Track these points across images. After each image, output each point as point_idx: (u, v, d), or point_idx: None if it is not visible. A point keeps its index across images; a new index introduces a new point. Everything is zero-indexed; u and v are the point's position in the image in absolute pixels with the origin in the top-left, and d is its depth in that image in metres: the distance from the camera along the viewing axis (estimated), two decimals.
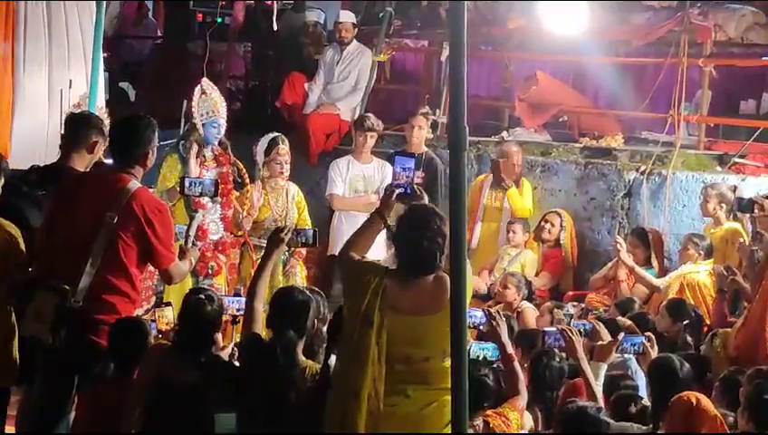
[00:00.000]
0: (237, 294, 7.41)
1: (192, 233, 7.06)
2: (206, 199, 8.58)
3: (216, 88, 9.02)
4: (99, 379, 6.07)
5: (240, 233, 9.16)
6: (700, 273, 8.93)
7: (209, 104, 8.76)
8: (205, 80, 8.99)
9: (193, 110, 8.74)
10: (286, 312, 5.67)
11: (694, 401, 5.58)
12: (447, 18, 4.67)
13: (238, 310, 6.73)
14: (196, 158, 8.68)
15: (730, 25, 10.73)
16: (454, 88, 4.63)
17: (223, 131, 8.85)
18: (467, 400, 4.45)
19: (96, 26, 9.32)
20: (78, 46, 11.31)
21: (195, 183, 7.30)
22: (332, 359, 5.53)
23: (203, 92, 8.79)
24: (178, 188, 7.51)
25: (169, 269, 6.36)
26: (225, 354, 6.35)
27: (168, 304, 7.16)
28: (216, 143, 8.85)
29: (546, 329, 6.82)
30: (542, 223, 10.31)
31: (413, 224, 5.31)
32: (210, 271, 8.69)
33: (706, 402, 5.63)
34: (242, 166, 8.98)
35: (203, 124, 8.71)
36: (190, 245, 6.91)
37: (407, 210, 5.48)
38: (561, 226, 10.31)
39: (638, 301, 8.89)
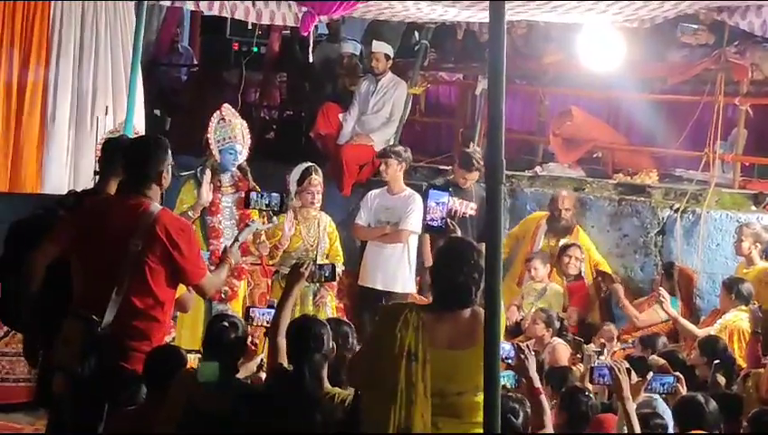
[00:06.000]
0: (271, 306, 7.36)
1: (241, 239, 7.10)
2: (223, 225, 8.64)
3: (237, 115, 8.99)
4: (129, 405, 6.06)
5: (271, 262, 9.15)
6: (744, 320, 8.66)
7: (227, 130, 8.74)
8: (226, 106, 8.98)
9: (209, 136, 8.73)
10: (303, 340, 5.66)
11: None
12: (488, 51, 4.66)
13: (268, 321, 6.62)
14: (212, 183, 8.68)
15: (767, 65, 10.67)
16: (492, 122, 4.63)
17: (241, 158, 8.84)
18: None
19: (134, 53, 9.34)
20: (111, 73, 11.38)
21: (261, 196, 7.36)
22: None
23: (222, 119, 8.78)
24: (244, 201, 7.68)
25: (201, 284, 6.38)
26: (253, 364, 6.40)
27: (198, 350, 7.14)
28: (235, 169, 8.86)
29: (594, 365, 6.61)
30: (565, 257, 10.27)
31: (451, 257, 5.28)
32: (224, 295, 8.64)
33: None
34: (260, 191, 8.91)
35: (219, 150, 8.71)
36: (235, 249, 6.94)
37: (445, 243, 5.46)
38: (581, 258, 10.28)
39: (663, 336, 8.85)
